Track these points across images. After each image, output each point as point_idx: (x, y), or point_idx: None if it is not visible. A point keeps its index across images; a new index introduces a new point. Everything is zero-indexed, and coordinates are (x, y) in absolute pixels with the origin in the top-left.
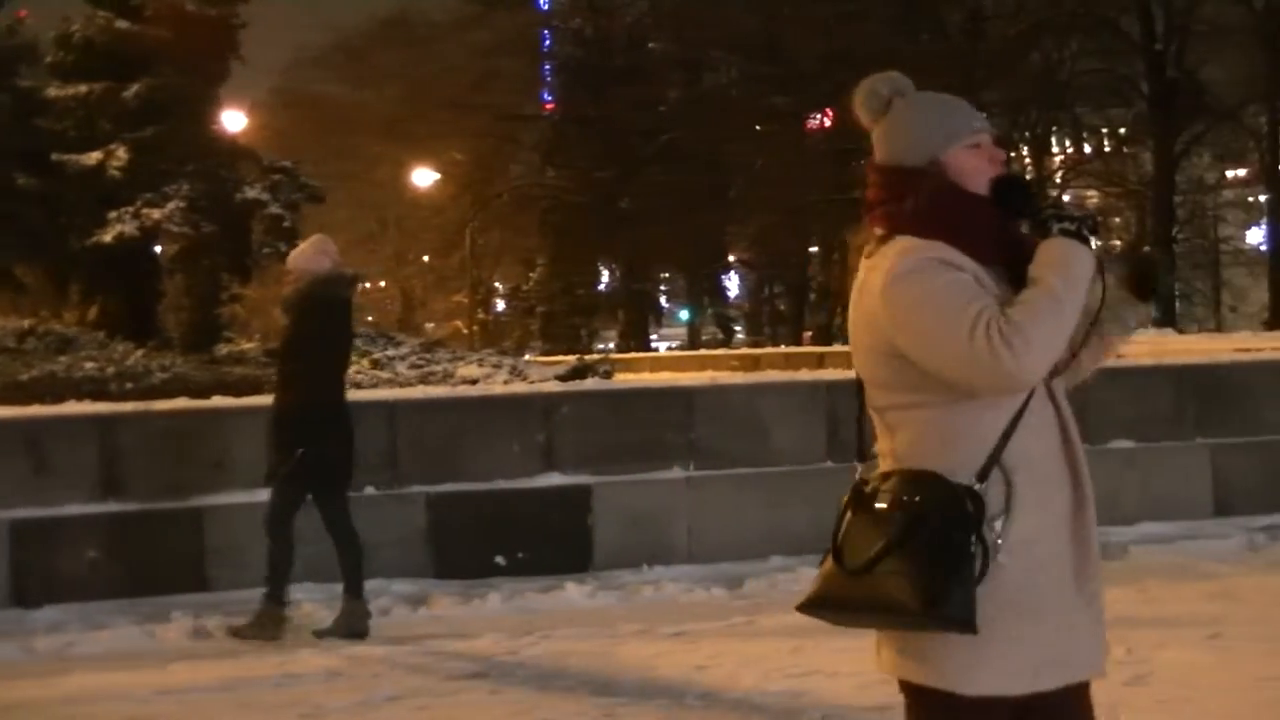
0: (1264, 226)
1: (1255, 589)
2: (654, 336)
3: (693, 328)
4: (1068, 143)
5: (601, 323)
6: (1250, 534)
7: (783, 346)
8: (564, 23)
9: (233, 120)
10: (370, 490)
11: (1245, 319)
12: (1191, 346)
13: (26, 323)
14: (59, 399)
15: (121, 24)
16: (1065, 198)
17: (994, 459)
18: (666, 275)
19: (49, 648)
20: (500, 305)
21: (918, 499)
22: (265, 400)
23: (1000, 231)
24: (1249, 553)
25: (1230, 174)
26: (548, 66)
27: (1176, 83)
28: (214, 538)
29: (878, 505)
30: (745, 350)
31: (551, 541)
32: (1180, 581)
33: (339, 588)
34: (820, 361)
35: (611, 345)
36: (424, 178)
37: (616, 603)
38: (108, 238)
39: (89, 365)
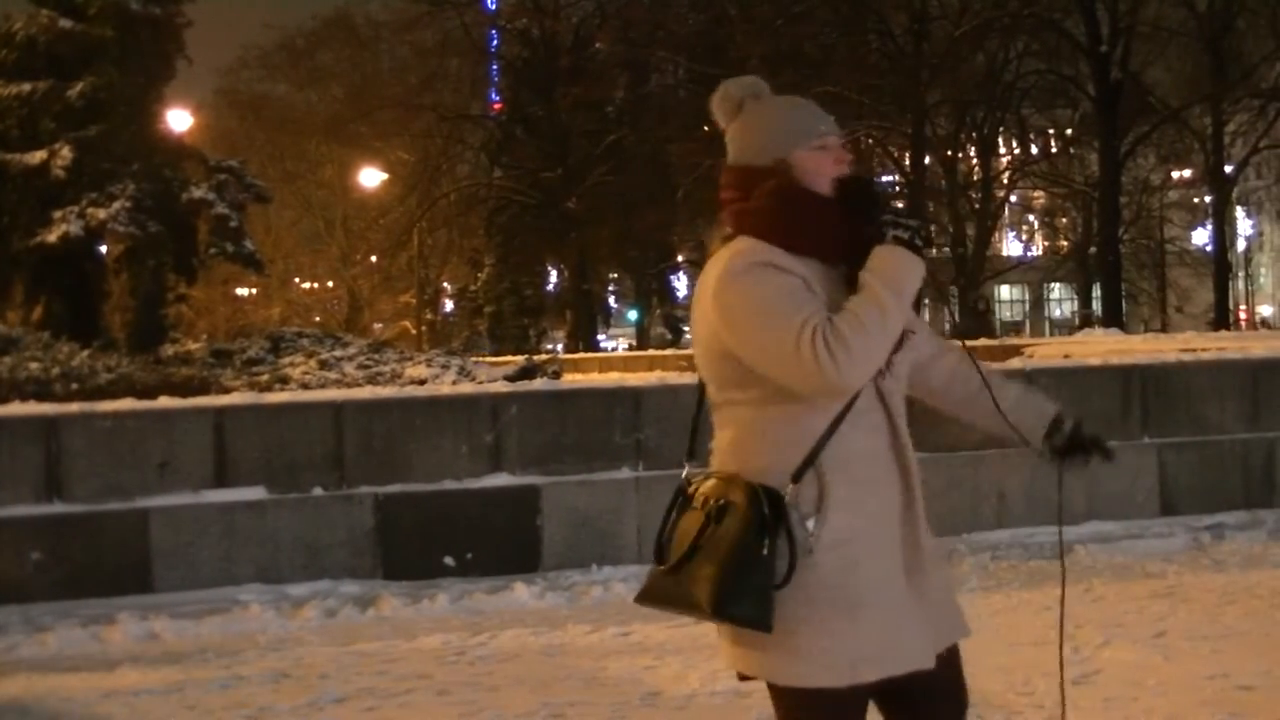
0: (1208, 227)
1: (1201, 588)
2: (602, 337)
3: (641, 328)
4: (1014, 143)
5: (549, 323)
6: (1196, 533)
7: None
8: (510, 23)
9: (178, 120)
10: (318, 491)
11: (1190, 319)
12: (1137, 346)
13: None
14: (2, 400)
15: (65, 23)
16: (1014, 197)
17: (809, 460)
18: (615, 276)
19: None
20: (448, 306)
21: (721, 501)
22: (212, 401)
23: (842, 231)
24: (1195, 552)
25: (1175, 175)
26: (494, 67)
27: (1121, 84)
28: (160, 539)
29: (693, 506)
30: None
31: (500, 542)
32: (1126, 581)
33: (290, 589)
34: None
35: (559, 346)
36: (371, 178)
37: (565, 603)
38: (52, 238)
39: (33, 366)
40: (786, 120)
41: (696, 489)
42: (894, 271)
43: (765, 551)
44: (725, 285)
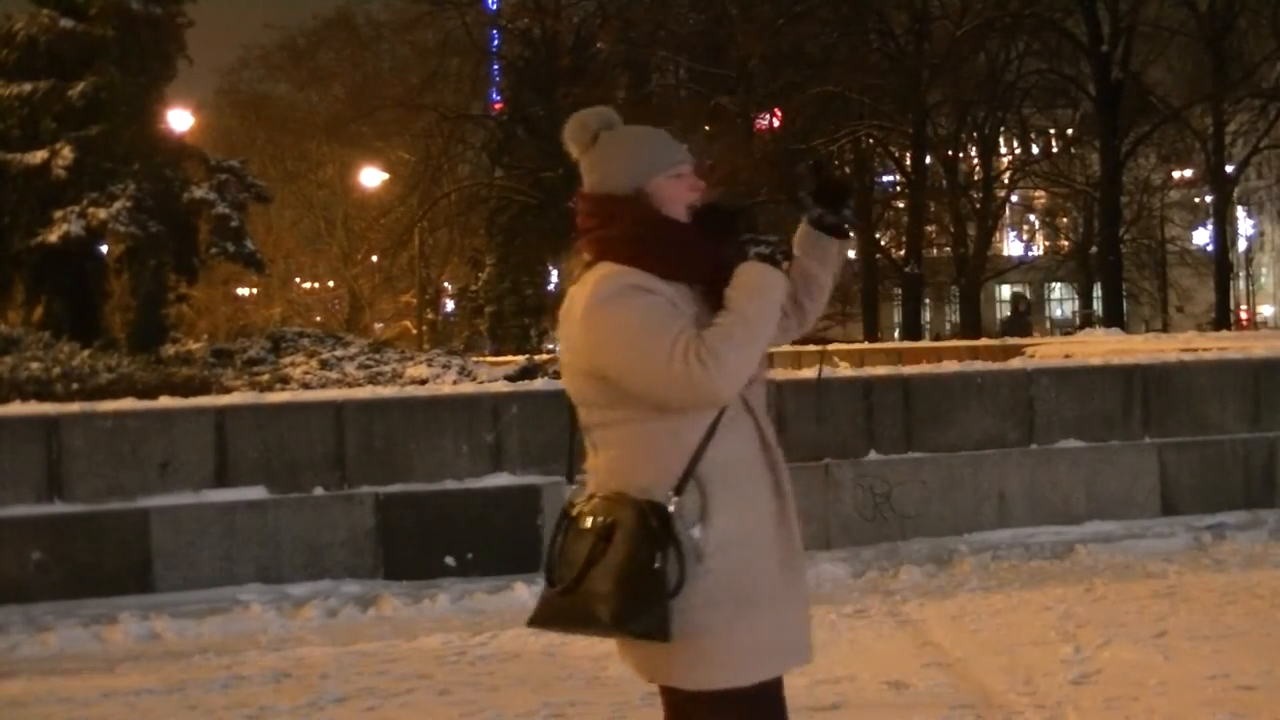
0: (1209, 227)
1: (1202, 588)
2: None
3: None
4: (1015, 143)
5: (550, 323)
6: (1197, 533)
7: None
8: (511, 23)
9: (179, 120)
10: (319, 491)
11: (1191, 319)
12: (1138, 346)
13: None
14: (3, 400)
15: (66, 23)
16: (1015, 197)
17: (689, 471)
18: None
19: None
20: (449, 305)
21: (608, 520)
22: (213, 400)
23: (701, 253)
24: (1196, 552)
25: (1176, 175)
26: (495, 67)
27: (1122, 84)
28: (161, 539)
29: (581, 526)
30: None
31: (501, 542)
32: (1127, 580)
33: (290, 589)
34: (769, 361)
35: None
36: (372, 178)
37: None
38: (53, 237)
39: (34, 365)
40: (644, 150)
41: (580, 510)
42: (757, 285)
43: (658, 564)
44: (594, 309)
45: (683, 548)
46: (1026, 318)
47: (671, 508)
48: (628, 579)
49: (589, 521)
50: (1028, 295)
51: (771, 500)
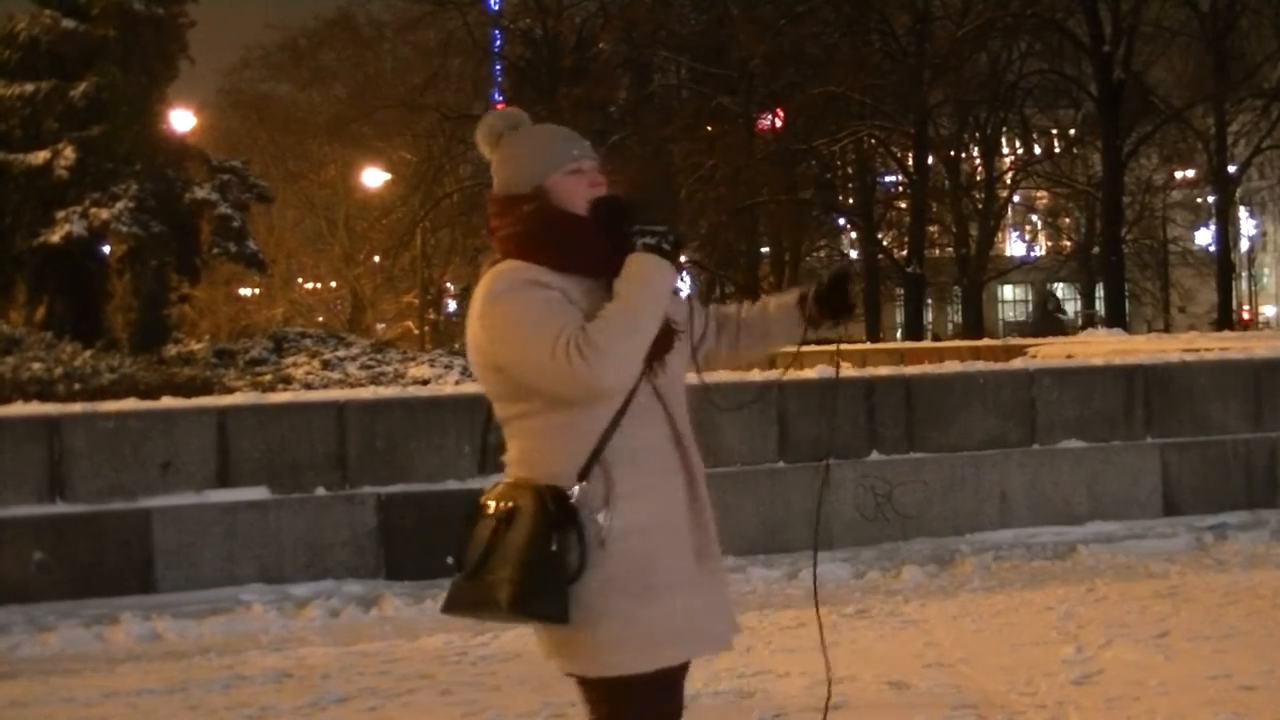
0: (1211, 227)
1: (1204, 588)
2: None
3: None
4: (1017, 143)
5: None
6: (1199, 533)
7: None
8: (513, 23)
9: (181, 120)
10: (320, 491)
11: (1194, 319)
12: (1140, 347)
13: None
14: (5, 400)
15: (68, 23)
16: (1017, 197)
17: (593, 458)
18: None
19: None
20: (451, 306)
21: (510, 505)
22: (215, 401)
23: (600, 246)
24: (1197, 552)
25: (1178, 175)
26: (497, 67)
27: (1124, 84)
28: (162, 539)
29: (486, 513)
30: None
31: None
32: (1129, 581)
33: (292, 589)
34: (770, 362)
35: None
36: (374, 178)
37: None
38: (55, 237)
39: (36, 366)
40: (541, 148)
41: (487, 498)
42: (642, 275)
43: (554, 548)
44: (489, 305)
45: (585, 533)
46: (1057, 314)
47: (574, 493)
48: (525, 563)
49: (492, 507)
50: (1056, 293)
51: (683, 489)
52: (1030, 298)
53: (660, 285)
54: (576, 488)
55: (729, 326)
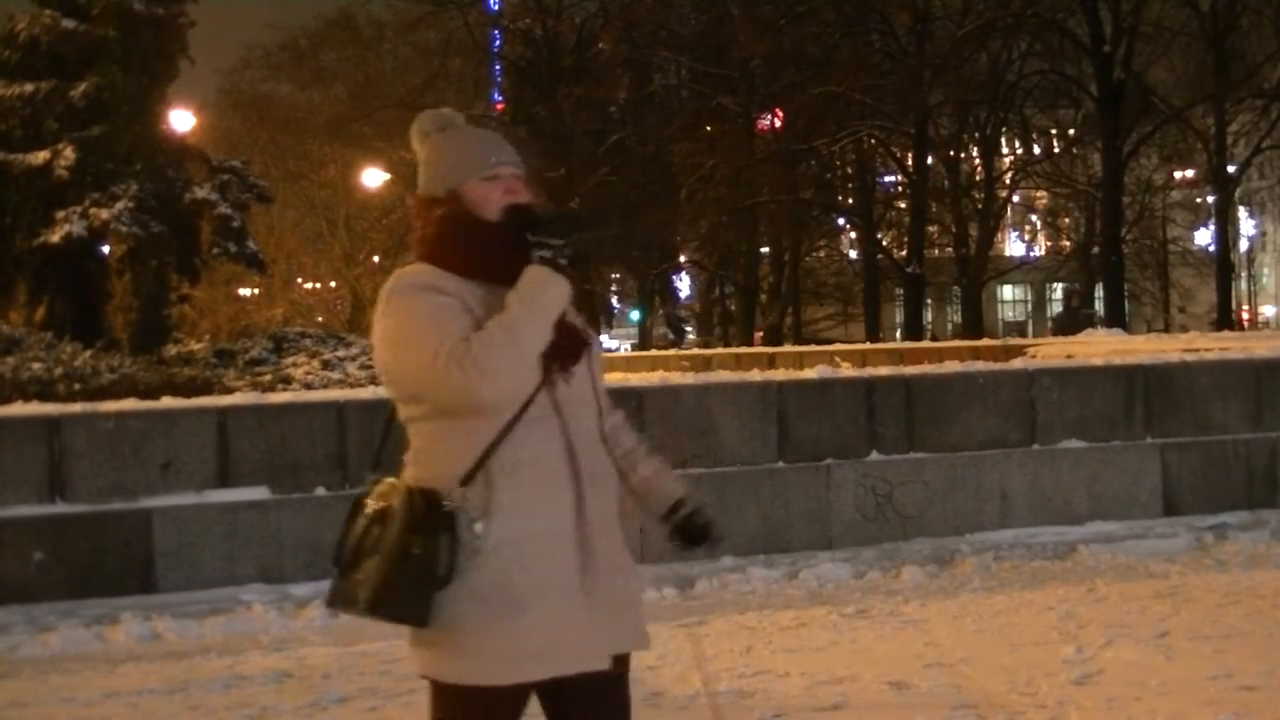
0: (1211, 227)
1: (1204, 588)
2: (605, 337)
3: (643, 328)
4: (1017, 143)
5: None
6: (1199, 533)
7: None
8: (513, 23)
9: (181, 120)
10: (320, 491)
11: (1193, 319)
12: (1140, 347)
13: None
14: (6, 400)
15: (68, 23)
16: (1016, 197)
17: (478, 466)
18: (617, 276)
19: None
20: None
21: (382, 505)
22: (215, 401)
23: (510, 255)
24: (1198, 552)
25: (1178, 175)
26: (497, 67)
27: (1124, 84)
28: (163, 539)
29: (364, 511)
30: (696, 350)
31: None
32: (1129, 581)
33: (292, 589)
34: (771, 362)
35: None
36: (374, 178)
37: None
38: (55, 238)
39: (36, 366)
40: (459, 153)
41: (369, 495)
42: (530, 290)
43: (418, 550)
44: (385, 307)
45: (459, 540)
46: (1083, 312)
47: (453, 499)
48: (387, 563)
49: (369, 506)
50: (1079, 288)
51: (570, 504)
52: (1030, 297)
53: (547, 300)
54: (456, 493)
55: (613, 444)
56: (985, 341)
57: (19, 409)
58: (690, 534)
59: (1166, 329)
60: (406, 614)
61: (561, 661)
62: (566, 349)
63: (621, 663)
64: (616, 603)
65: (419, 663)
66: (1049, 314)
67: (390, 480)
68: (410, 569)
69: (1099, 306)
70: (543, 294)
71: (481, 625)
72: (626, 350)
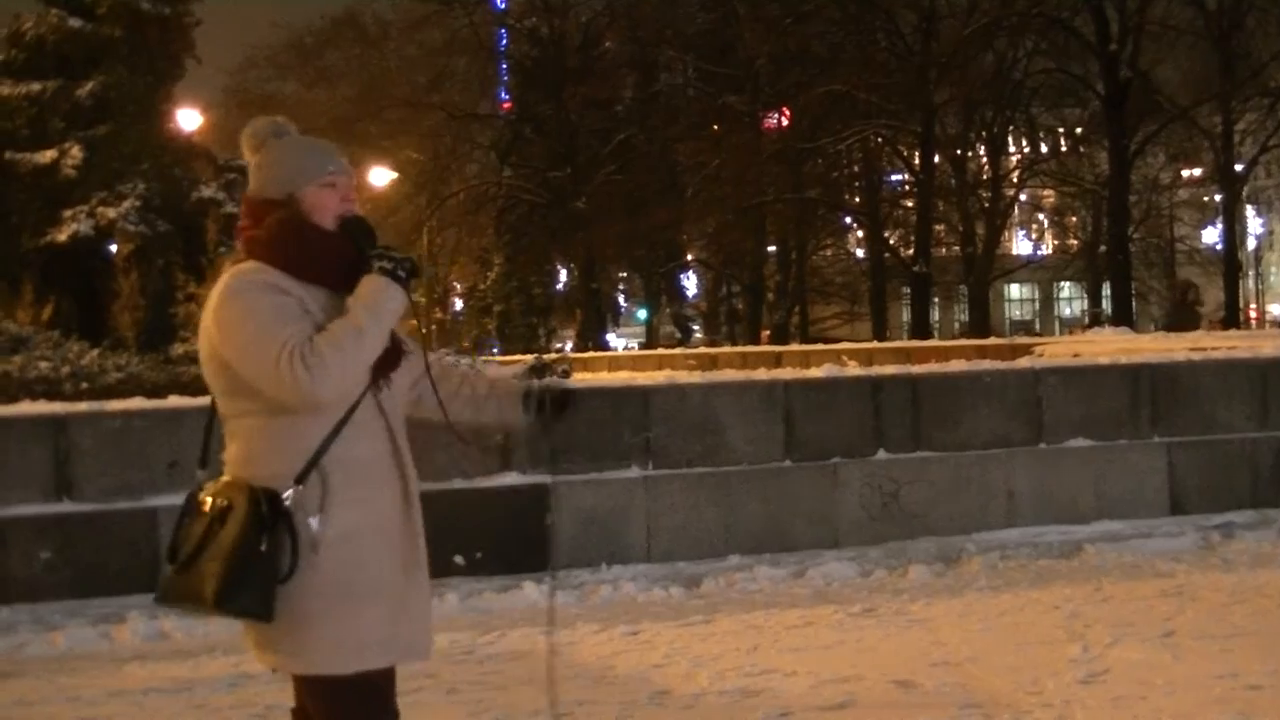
0: (1218, 226)
1: (1210, 587)
2: (611, 336)
3: (650, 327)
4: (1023, 142)
5: (558, 322)
6: (1205, 532)
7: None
8: (518, 22)
9: (187, 119)
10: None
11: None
12: (1146, 345)
13: None
14: (12, 399)
15: (74, 22)
16: (1023, 196)
17: (313, 463)
18: (624, 275)
19: (0, 649)
20: (458, 304)
21: (224, 503)
22: None
23: (343, 261)
24: (1204, 551)
25: (1185, 174)
26: (503, 66)
27: (1130, 83)
28: (169, 538)
29: (202, 509)
30: (702, 350)
31: (509, 541)
32: (1135, 580)
33: None
34: (778, 361)
35: (568, 345)
36: (380, 177)
37: (574, 602)
38: (62, 237)
39: (43, 365)
40: (297, 159)
41: (203, 495)
42: (372, 298)
43: (264, 547)
44: (223, 302)
45: (298, 536)
46: (1196, 307)
47: (289, 496)
48: (232, 560)
49: (208, 504)
50: (1192, 281)
51: (397, 500)
52: (1037, 296)
53: (388, 309)
54: (291, 490)
55: (448, 380)
56: (992, 340)
57: (25, 408)
58: (556, 400)
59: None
60: (252, 609)
61: (400, 651)
62: (391, 357)
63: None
64: (426, 596)
65: (268, 660)
66: (1056, 313)
67: (227, 479)
68: (256, 565)
69: (1106, 305)
70: (383, 304)
71: (323, 617)
72: (633, 349)
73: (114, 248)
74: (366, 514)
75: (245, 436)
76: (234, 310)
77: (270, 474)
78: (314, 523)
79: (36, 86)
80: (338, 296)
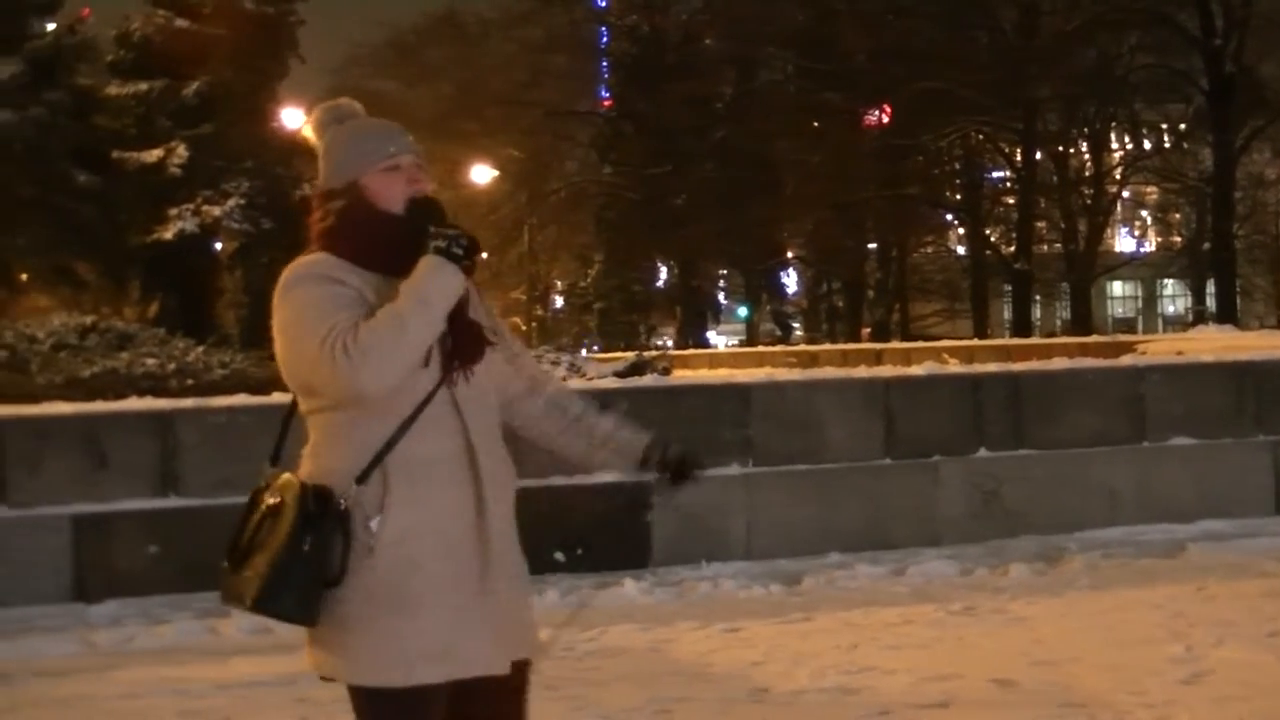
0: None
1: None
2: (712, 333)
3: (750, 324)
4: (1126, 138)
5: (658, 319)
6: None
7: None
8: (619, 19)
9: (290, 117)
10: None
11: None
12: (1252, 343)
13: (88, 319)
14: (119, 395)
15: (181, 22)
16: (1126, 193)
17: (375, 462)
18: (724, 272)
19: (109, 642)
20: (558, 302)
21: (276, 500)
22: None
23: (406, 246)
24: None
25: None
26: (603, 63)
27: (1235, 78)
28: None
29: (259, 505)
30: (802, 347)
31: (610, 537)
32: (1239, 579)
33: None
34: (878, 358)
35: (668, 342)
36: (481, 174)
37: (673, 599)
38: (168, 234)
39: (149, 361)
40: (356, 144)
41: (262, 490)
42: (421, 280)
43: (307, 548)
44: (280, 296)
45: (353, 538)
46: None
47: (348, 495)
48: (276, 560)
49: (266, 501)
50: None
51: (466, 504)
52: (1139, 293)
53: (436, 290)
54: (351, 490)
55: (558, 414)
56: (1094, 338)
57: (132, 404)
58: (676, 470)
59: (1279, 325)
60: (292, 612)
61: (458, 664)
62: (466, 347)
63: (521, 672)
64: (513, 607)
65: (313, 662)
66: (1158, 311)
67: (287, 475)
68: (301, 567)
69: (1210, 303)
70: (429, 285)
71: (372, 624)
72: (730, 346)
73: (218, 245)
74: (429, 517)
75: (315, 431)
76: (288, 304)
77: (331, 471)
78: (372, 525)
79: (143, 86)
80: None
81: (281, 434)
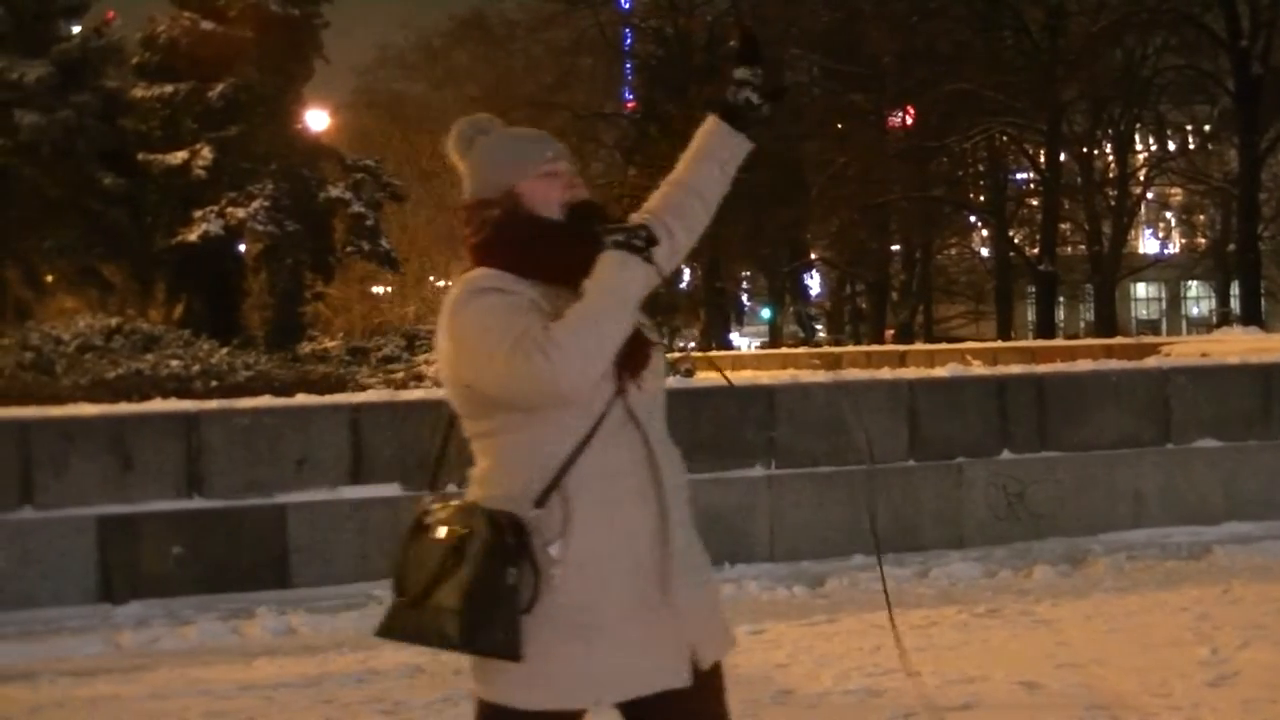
0: None
1: None
2: (735, 335)
3: (774, 326)
4: (1151, 139)
5: (682, 321)
6: None
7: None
8: (644, 21)
9: (316, 119)
10: (452, 489)
11: None
12: (1277, 345)
13: (113, 321)
14: (144, 397)
15: (206, 25)
16: (1151, 194)
17: (553, 485)
18: (748, 274)
19: (134, 643)
20: None
21: (462, 531)
22: (348, 398)
23: (572, 252)
24: None
25: None
26: (628, 65)
27: (1262, 79)
28: (297, 535)
29: (433, 535)
30: (826, 349)
31: None
32: (1265, 582)
33: None
34: (902, 360)
35: (692, 344)
36: None
37: None
38: (193, 236)
39: (174, 363)
40: (510, 151)
41: (434, 519)
42: (608, 274)
43: (510, 581)
44: (453, 314)
45: (538, 564)
46: None
47: (530, 521)
48: (477, 595)
49: (442, 532)
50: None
51: (652, 514)
52: (1164, 295)
53: (623, 282)
54: (532, 514)
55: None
56: (1118, 340)
57: (158, 405)
58: (768, 93)
59: None
60: (501, 648)
61: (636, 683)
62: (634, 353)
63: (713, 671)
64: (698, 610)
65: (484, 688)
66: (1183, 312)
67: (458, 503)
68: (504, 599)
69: (1235, 305)
70: (614, 277)
71: (557, 650)
72: (754, 348)
73: (243, 247)
74: (611, 536)
75: (487, 456)
76: (465, 320)
77: (506, 494)
78: (553, 550)
79: (169, 88)
80: (572, 292)
81: (438, 459)
